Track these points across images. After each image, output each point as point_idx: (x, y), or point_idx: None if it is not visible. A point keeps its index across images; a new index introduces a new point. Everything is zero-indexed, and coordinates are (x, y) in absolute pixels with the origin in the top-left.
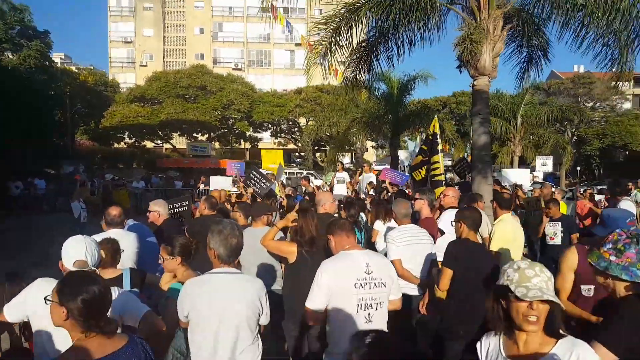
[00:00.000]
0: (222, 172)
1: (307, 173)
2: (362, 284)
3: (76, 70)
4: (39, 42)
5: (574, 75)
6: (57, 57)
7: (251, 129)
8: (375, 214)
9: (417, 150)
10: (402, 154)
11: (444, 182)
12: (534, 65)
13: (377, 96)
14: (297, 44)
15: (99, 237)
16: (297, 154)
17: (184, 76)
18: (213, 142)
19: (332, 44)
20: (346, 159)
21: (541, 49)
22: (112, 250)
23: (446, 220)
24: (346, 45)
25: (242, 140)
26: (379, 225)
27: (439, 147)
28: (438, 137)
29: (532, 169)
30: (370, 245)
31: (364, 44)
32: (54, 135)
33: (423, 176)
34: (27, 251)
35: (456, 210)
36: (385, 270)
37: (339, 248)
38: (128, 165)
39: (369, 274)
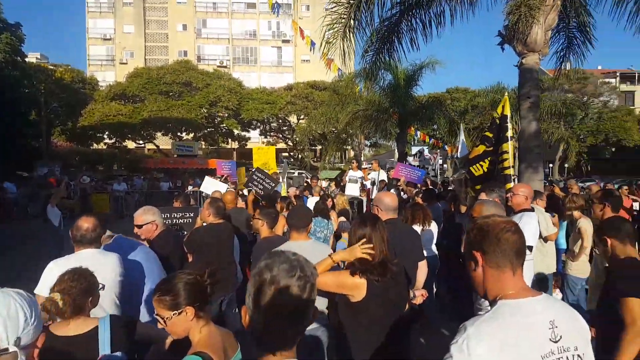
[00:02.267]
0: (210, 173)
1: (299, 173)
2: None
3: (52, 67)
4: (9, 35)
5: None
6: (32, 57)
7: (239, 128)
8: (412, 217)
9: (461, 142)
10: (426, 150)
11: (513, 177)
12: (572, 51)
13: (382, 87)
14: (285, 41)
15: (63, 265)
16: (287, 153)
17: (168, 72)
18: (199, 142)
19: (352, 19)
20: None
21: (583, 32)
22: (79, 291)
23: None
24: (366, 21)
25: (229, 140)
26: (416, 229)
27: (509, 133)
28: (508, 120)
29: None
30: None
31: (386, 22)
32: (28, 135)
33: (485, 170)
34: None
35: (528, 213)
36: (578, 328)
37: (495, 288)
38: (108, 166)
39: (556, 341)
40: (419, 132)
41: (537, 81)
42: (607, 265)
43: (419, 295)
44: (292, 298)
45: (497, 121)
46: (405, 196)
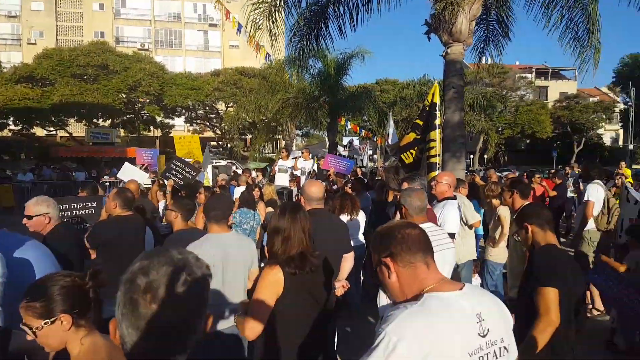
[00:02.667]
0: (129, 162)
1: (228, 162)
2: None
3: None
4: None
5: (488, 65)
6: None
7: (162, 114)
8: (340, 206)
9: (391, 130)
10: (356, 141)
11: (438, 166)
12: (492, 44)
13: (312, 75)
14: (212, 25)
15: None
16: (215, 142)
17: (82, 54)
18: (117, 129)
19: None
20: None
21: (503, 25)
22: None
23: (444, 217)
24: (293, 2)
25: (151, 127)
26: (344, 221)
27: (437, 122)
28: (437, 108)
29: None
30: None
31: (313, 7)
32: None
33: (415, 158)
34: None
35: (451, 201)
36: (503, 319)
37: (413, 287)
38: (15, 156)
39: (484, 335)
40: (349, 123)
41: (462, 71)
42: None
43: (339, 287)
44: (176, 309)
45: (427, 109)
46: (335, 187)
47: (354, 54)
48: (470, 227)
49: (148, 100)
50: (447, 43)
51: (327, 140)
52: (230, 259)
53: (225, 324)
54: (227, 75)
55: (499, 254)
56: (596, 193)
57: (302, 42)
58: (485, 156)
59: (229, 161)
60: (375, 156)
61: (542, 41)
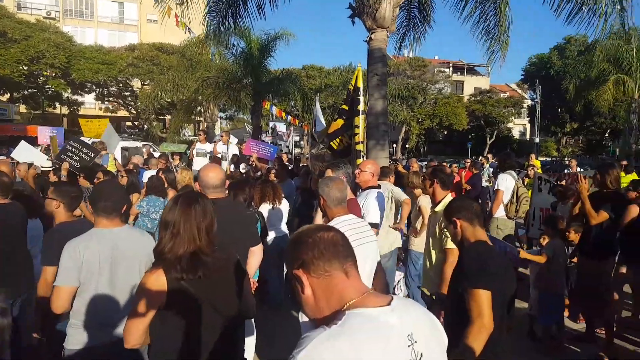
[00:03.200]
0: (29, 142)
1: (144, 144)
2: None
3: None
4: None
5: (409, 58)
6: None
7: (70, 90)
8: (261, 194)
9: (318, 116)
10: (280, 126)
11: (362, 153)
12: (412, 30)
13: (235, 55)
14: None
15: None
16: (129, 122)
17: None
18: (17, 105)
19: None
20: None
21: (423, 11)
22: None
23: (366, 207)
24: None
25: (57, 104)
26: (265, 209)
27: (361, 107)
28: (361, 92)
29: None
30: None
31: None
32: None
33: (345, 145)
34: None
35: (374, 190)
36: (436, 337)
37: (331, 301)
38: None
39: (418, 357)
40: (274, 108)
41: (385, 58)
42: (447, 247)
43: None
44: None
45: (351, 93)
46: (259, 173)
47: (278, 35)
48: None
49: (53, 74)
50: (371, 29)
51: (249, 124)
52: (120, 258)
53: (118, 331)
54: (143, 50)
55: (421, 244)
56: (505, 182)
57: (219, 19)
58: (407, 146)
59: (146, 143)
60: (302, 142)
61: (459, 38)
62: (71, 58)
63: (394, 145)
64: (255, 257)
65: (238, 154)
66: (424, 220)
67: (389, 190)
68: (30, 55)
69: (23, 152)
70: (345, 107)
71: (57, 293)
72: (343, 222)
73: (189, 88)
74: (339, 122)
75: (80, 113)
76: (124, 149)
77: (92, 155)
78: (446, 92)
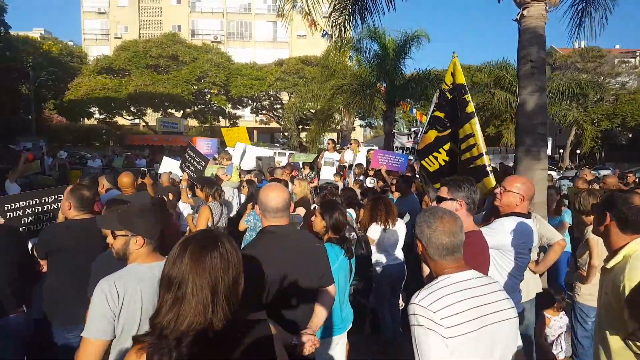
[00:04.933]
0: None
1: (290, 154)
2: None
3: (39, 39)
4: None
5: (581, 49)
6: (36, 32)
7: (230, 105)
8: (371, 213)
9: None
10: (402, 139)
11: (490, 168)
12: (587, 18)
13: (367, 59)
14: (280, 15)
15: None
16: (281, 133)
17: (154, 45)
18: (188, 119)
19: None
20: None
21: None
22: None
23: (507, 237)
24: None
25: (220, 118)
26: (375, 231)
27: (470, 109)
28: (467, 90)
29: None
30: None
31: None
32: (17, 108)
33: (442, 163)
34: None
35: (516, 219)
36: None
37: None
38: (103, 143)
39: None
40: (415, 110)
41: (542, 39)
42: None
43: (307, 342)
44: None
45: (448, 95)
46: (374, 186)
47: (414, 35)
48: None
49: (215, 91)
50: (523, 3)
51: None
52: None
53: None
54: (290, 64)
55: (592, 293)
56: None
57: (344, 17)
58: (578, 151)
59: (291, 152)
60: None
61: None
62: (229, 76)
63: (560, 151)
64: (325, 299)
65: (364, 165)
66: (591, 260)
67: (537, 220)
68: (197, 75)
69: (166, 165)
70: (439, 113)
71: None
72: (455, 286)
73: (323, 97)
74: (432, 135)
75: (239, 126)
76: (257, 158)
77: (204, 165)
78: (631, 86)
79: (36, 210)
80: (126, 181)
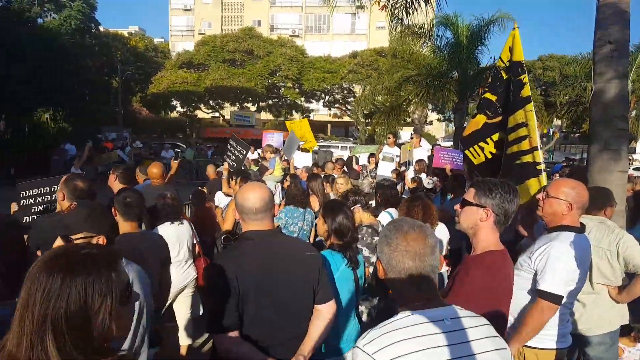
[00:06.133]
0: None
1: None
2: None
3: (127, 36)
4: (80, 2)
5: None
6: (131, 30)
7: (302, 99)
8: (406, 214)
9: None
10: None
11: (542, 167)
12: None
13: (439, 47)
14: (359, 6)
15: None
16: (355, 127)
17: (231, 40)
18: (262, 113)
19: None
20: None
21: None
22: None
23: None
24: None
25: (294, 111)
26: None
27: (526, 92)
28: (524, 70)
29: (632, 151)
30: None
31: None
32: (106, 101)
33: (489, 155)
34: None
35: (570, 235)
36: None
37: None
38: (186, 135)
39: None
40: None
41: (626, 16)
42: None
43: None
44: None
45: (503, 74)
46: (429, 183)
47: (493, 19)
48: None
49: (290, 85)
50: None
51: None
52: None
53: None
54: (364, 56)
55: None
56: None
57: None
58: None
59: (351, 145)
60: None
61: None
62: (302, 69)
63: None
64: (321, 319)
65: (426, 161)
66: None
67: (615, 234)
68: (270, 69)
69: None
70: (491, 96)
71: None
72: (415, 329)
73: (390, 88)
74: (480, 120)
75: (312, 119)
76: (314, 152)
77: (244, 153)
78: None
79: (46, 200)
80: (155, 172)
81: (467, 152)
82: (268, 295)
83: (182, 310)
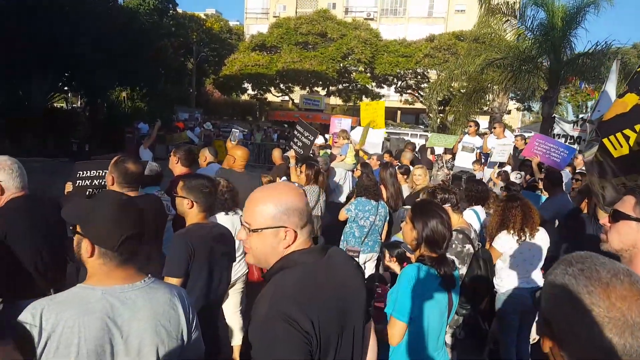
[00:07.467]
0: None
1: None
2: None
3: (203, 17)
4: None
5: None
6: (209, 12)
7: (374, 84)
8: (501, 217)
9: (607, 89)
10: (565, 126)
11: None
12: None
13: (529, 28)
14: None
15: None
16: (427, 114)
17: (305, 22)
18: (330, 97)
19: None
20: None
21: None
22: None
23: None
24: None
25: (364, 96)
26: (505, 242)
27: None
28: None
29: None
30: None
31: None
32: (181, 82)
33: (635, 148)
34: None
35: None
36: None
37: None
38: (256, 118)
39: None
40: (584, 85)
41: None
42: None
43: None
44: None
45: None
46: (518, 180)
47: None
48: None
49: (362, 69)
50: None
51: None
52: None
53: None
54: (441, 40)
55: None
56: None
57: None
58: None
59: (424, 134)
60: None
61: None
62: (376, 53)
63: None
64: (373, 339)
65: (511, 151)
66: None
67: None
68: (343, 52)
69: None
70: None
71: None
72: None
73: (471, 74)
74: (629, 101)
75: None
76: (385, 139)
77: (312, 139)
78: None
79: (100, 183)
80: (240, 155)
81: (605, 140)
82: (346, 338)
83: (230, 308)
